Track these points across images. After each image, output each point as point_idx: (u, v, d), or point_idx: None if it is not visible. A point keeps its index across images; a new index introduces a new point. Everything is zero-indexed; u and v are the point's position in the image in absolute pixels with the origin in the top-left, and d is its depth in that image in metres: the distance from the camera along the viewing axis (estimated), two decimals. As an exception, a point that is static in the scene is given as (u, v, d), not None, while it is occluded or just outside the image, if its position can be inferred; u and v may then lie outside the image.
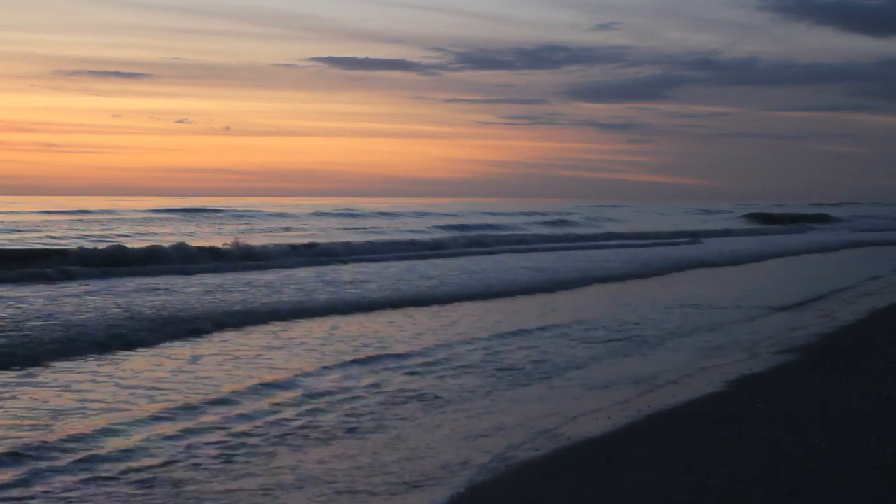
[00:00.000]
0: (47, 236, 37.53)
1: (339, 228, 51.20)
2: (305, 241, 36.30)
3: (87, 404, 9.30)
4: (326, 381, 10.61)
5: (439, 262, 30.23)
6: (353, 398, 9.84)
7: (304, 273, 24.45)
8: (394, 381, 10.72)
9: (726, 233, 60.00)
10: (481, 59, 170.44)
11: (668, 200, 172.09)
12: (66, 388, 10.06)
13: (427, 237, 42.52)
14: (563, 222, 68.17)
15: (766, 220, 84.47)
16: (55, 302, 16.56)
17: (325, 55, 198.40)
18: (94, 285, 19.97)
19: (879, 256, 37.60)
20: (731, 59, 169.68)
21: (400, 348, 12.96)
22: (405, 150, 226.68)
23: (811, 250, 41.62)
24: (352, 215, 67.36)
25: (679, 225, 70.80)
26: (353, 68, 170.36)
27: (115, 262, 24.72)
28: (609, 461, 7.21)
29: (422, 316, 16.77)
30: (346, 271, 25.24)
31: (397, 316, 16.68)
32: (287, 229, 48.68)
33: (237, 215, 62.37)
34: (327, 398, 9.77)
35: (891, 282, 24.24)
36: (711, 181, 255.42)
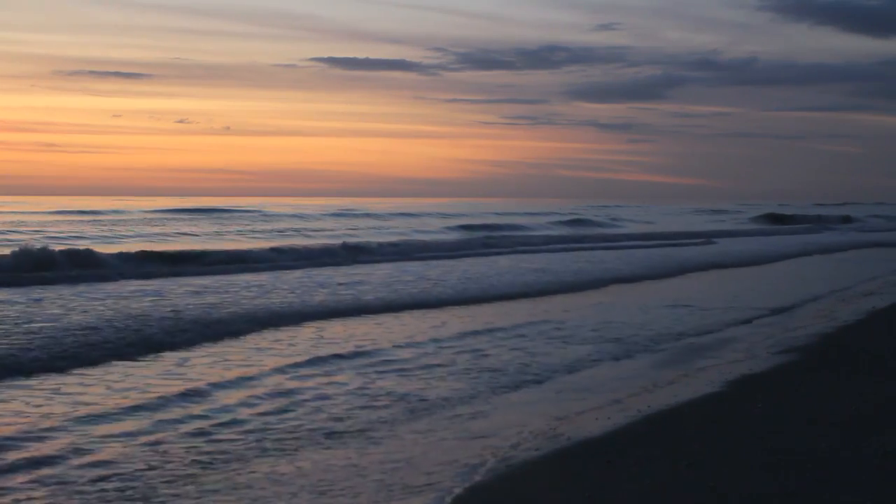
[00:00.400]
0: (73, 236, 37.54)
1: (360, 229, 51.37)
2: (316, 242, 37.19)
3: (77, 408, 9.24)
4: (317, 382, 10.60)
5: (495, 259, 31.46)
6: (350, 399, 9.81)
7: (295, 274, 24.28)
8: (391, 383, 10.72)
9: (740, 233, 60.00)
10: (482, 59, 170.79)
11: (668, 200, 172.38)
12: (56, 391, 10.03)
13: (451, 237, 43.97)
14: (580, 222, 68.08)
15: (782, 221, 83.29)
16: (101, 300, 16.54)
17: (325, 55, 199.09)
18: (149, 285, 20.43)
19: (888, 257, 37.69)
20: (731, 59, 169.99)
21: (416, 350, 12.98)
22: (406, 150, 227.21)
23: (827, 250, 41.84)
24: (368, 216, 67.48)
25: (693, 226, 70.97)
26: (353, 68, 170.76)
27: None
28: (609, 461, 7.19)
29: (415, 317, 16.82)
30: (380, 272, 25.24)
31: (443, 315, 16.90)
32: (298, 230, 48.70)
33: (242, 215, 62.47)
34: (321, 401, 9.75)
35: (891, 282, 24.22)
36: (711, 181, 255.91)
